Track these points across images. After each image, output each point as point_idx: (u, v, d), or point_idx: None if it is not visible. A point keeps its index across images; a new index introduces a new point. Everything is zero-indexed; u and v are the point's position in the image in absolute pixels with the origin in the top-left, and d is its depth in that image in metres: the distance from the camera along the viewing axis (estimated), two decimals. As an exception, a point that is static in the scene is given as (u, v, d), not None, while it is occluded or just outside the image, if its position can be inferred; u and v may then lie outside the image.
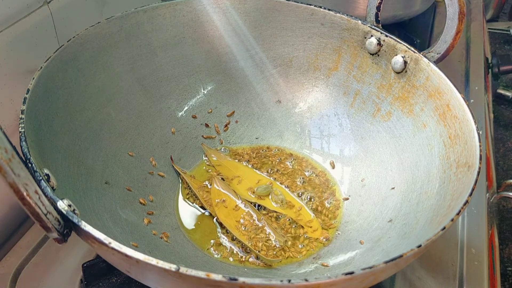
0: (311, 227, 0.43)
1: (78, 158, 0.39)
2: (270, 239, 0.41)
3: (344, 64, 0.49)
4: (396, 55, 0.44)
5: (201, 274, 0.24)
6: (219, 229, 0.42)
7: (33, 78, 0.36)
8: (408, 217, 0.38)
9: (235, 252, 0.40)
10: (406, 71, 0.44)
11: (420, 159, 0.41)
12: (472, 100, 0.64)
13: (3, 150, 0.24)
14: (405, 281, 0.41)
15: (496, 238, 0.51)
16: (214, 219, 0.43)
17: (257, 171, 0.48)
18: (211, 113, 0.51)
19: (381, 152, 0.45)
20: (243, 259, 0.40)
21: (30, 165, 0.29)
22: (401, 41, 0.44)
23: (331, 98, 0.50)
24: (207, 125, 0.51)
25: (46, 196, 0.27)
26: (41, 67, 0.37)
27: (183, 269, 0.24)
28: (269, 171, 0.48)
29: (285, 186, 0.46)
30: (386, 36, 0.45)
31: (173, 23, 0.49)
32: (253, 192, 0.45)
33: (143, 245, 0.37)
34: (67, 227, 0.28)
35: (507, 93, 1.11)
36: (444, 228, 0.28)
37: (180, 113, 0.50)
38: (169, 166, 0.47)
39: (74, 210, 0.28)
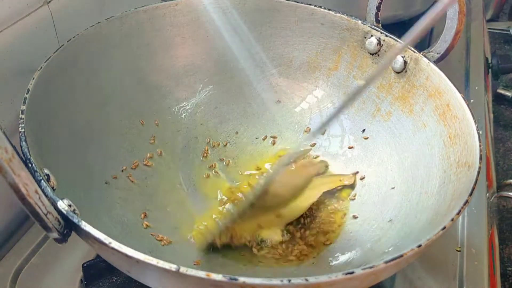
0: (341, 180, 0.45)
1: (78, 158, 0.39)
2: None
3: (344, 64, 0.49)
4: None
5: (201, 274, 0.24)
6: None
7: (33, 78, 0.36)
8: (408, 217, 0.38)
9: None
10: (406, 71, 0.44)
11: (420, 159, 0.41)
12: (472, 100, 0.64)
13: (3, 150, 0.24)
14: (405, 281, 0.41)
15: (496, 238, 0.51)
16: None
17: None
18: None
19: (381, 152, 0.45)
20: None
21: (30, 165, 0.29)
22: (401, 41, 0.44)
23: (331, 98, 0.50)
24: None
25: (46, 196, 0.27)
26: (41, 67, 0.37)
27: (183, 269, 0.24)
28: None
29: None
30: (386, 36, 0.45)
31: (173, 23, 0.49)
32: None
33: (143, 245, 0.37)
34: (67, 227, 0.28)
35: (507, 93, 1.11)
36: (444, 228, 0.28)
37: (180, 113, 0.50)
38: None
39: (74, 210, 0.28)
